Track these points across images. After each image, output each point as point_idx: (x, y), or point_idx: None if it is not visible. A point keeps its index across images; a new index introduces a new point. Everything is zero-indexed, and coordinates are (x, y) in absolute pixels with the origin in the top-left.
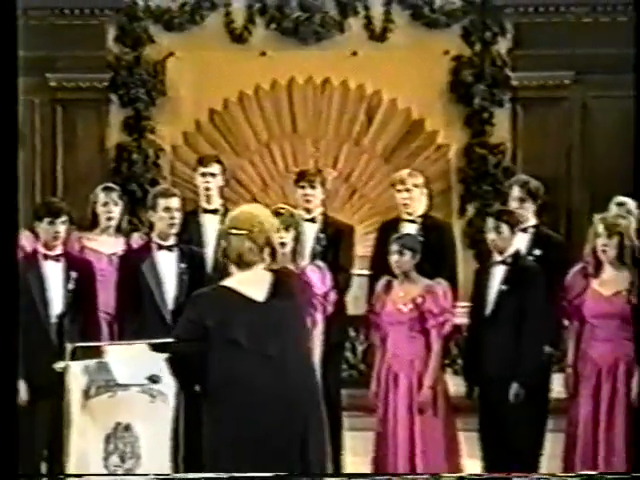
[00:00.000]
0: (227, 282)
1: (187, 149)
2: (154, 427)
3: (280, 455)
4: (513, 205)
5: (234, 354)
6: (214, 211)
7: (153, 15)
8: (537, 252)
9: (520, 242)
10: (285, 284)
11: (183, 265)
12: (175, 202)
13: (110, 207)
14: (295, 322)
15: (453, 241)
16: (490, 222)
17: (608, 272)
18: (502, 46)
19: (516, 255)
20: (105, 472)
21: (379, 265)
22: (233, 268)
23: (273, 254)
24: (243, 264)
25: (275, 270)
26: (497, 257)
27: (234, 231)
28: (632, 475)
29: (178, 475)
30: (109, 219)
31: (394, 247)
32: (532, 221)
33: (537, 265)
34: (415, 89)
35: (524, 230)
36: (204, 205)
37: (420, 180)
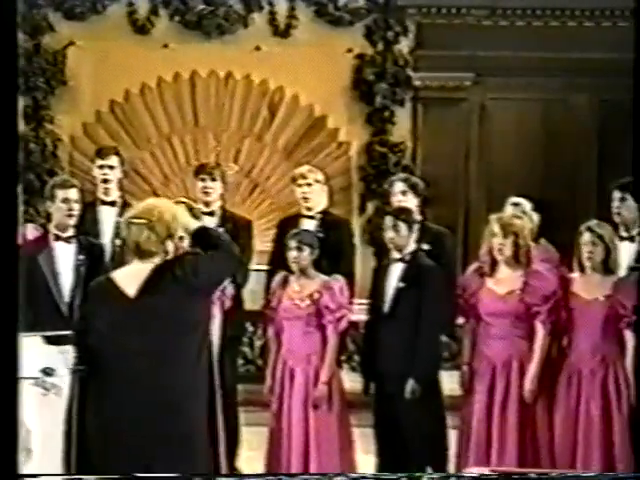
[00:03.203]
0: (114, 273)
1: (86, 140)
2: (47, 420)
3: (139, 453)
4: (398, 198)
5: (101, 347)
6: (112, 203)
7: (53, 3)
8: (425, 246)
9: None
10: (162, 280)
11: (81, 257)
12: (74, 193)
13: None
14: (168, 319)
15: (351, 238)
16: (388, 220)
17: (503, 271)
18: (404, 46)
19: (414, 253)
20: None
21: (278, 260)
22: (134, 259)
23: (177, 246)
24: (141, 254)
25: (159, 264)
26: (395, 255)
27: (134, 220)
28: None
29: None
30: None
31: (292, 243)
32: (417, 216)
33: (434, 263)
34: (318, 86)
35: None
36: (102, 197)
37: (320, 176)
